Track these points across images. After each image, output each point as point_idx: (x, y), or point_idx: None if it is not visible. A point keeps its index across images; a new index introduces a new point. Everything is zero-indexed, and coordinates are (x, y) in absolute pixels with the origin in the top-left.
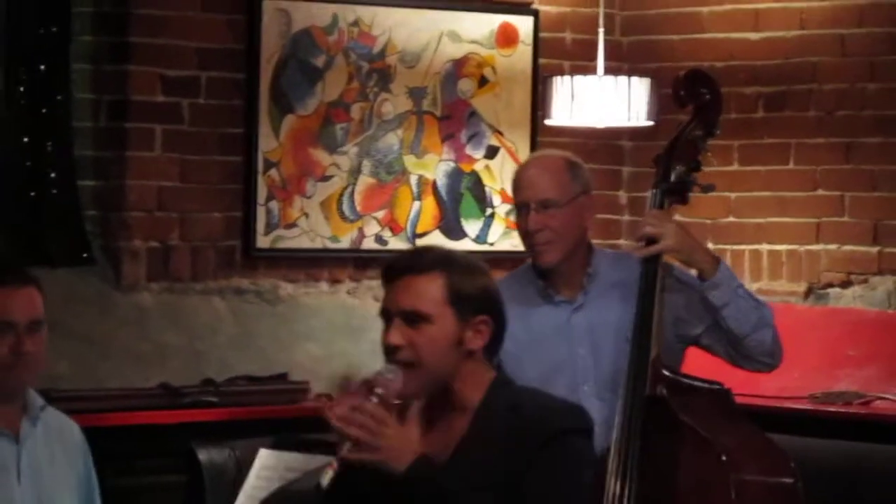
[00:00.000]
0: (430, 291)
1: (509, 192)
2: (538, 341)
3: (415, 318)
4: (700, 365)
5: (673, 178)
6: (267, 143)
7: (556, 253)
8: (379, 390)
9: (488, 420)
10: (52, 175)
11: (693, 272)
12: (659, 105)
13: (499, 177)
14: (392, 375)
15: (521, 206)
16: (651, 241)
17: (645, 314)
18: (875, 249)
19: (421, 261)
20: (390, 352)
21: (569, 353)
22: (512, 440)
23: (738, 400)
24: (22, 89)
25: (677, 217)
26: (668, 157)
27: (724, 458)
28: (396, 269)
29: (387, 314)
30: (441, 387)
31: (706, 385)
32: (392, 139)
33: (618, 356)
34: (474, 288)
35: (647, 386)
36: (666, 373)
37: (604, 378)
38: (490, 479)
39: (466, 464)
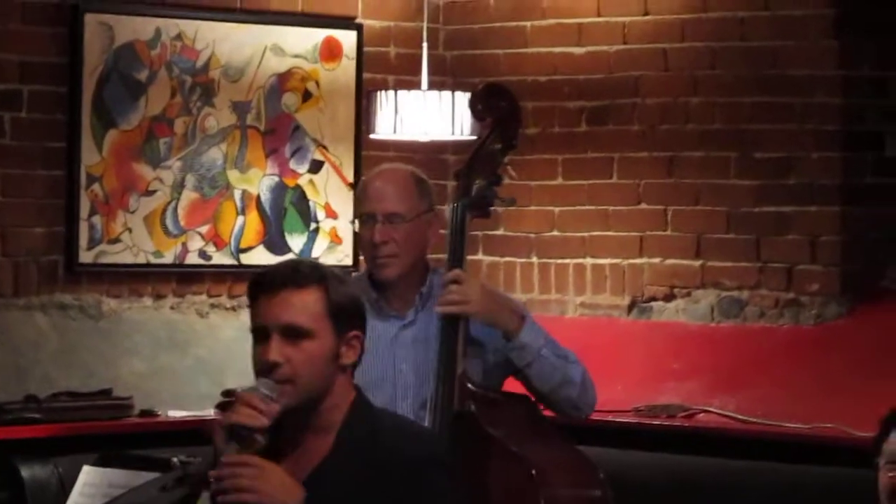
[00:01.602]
0: (310, 306)
1: (333, 206)
2: (364, 353)
3: (296, 334)
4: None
5: (474, 192)
6: (89, 157)
7: (398, 267)
8: (263, 390)
9: (349, 444)
10: None
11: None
12: None
13: (323, 191)
14: (271, 393)
15: (367, 218)
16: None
17: (449, 349)
18: (698, 263)
19: (299, 274)
20: (268, 369)
21: (392, 368)
22: (372, 468)
23: None
24: None
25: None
26: (469, 171)
27: (533, 472)
28: (274, 283)
29: (262, 330)
30: (310, 404)
31: (514, 399)
32: (216, 154)
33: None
34: (347, 299)
35: (454, 400)
36: (472, 388)
37: (423, 396)
38: None
39: (323, 488)
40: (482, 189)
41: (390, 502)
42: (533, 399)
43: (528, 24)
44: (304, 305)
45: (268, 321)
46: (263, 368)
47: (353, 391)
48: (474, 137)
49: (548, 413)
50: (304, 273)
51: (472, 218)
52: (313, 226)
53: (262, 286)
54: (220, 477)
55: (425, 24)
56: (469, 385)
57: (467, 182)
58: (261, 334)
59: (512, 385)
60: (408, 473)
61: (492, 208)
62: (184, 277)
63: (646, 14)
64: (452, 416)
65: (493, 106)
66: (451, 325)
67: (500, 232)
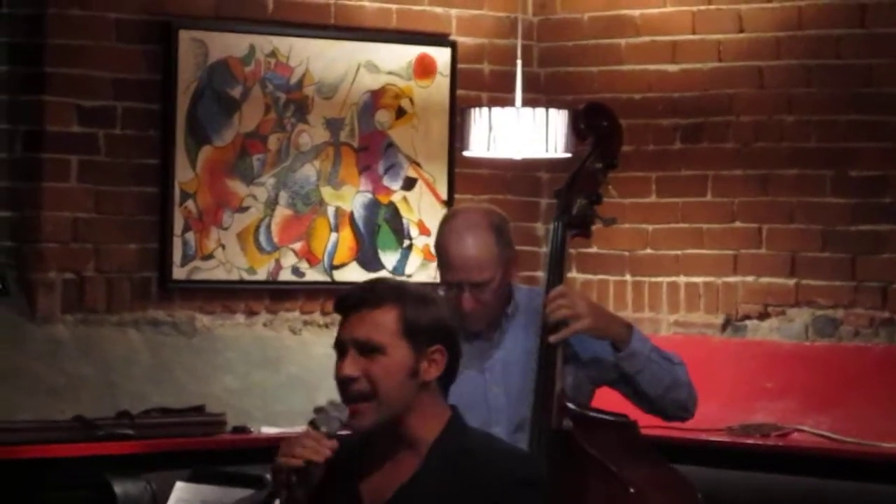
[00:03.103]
0: (383, 323)
1: (427, 223)
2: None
3: (369, 349)
4: (612, 396)
5: (574, 211)
6: (183, 173)
7: (486, 321)
8: (323, 429)
9: (441, 461)
10: None
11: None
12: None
13: (416, 208)
14: (336, 413)
15: (454, 285)
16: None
17: (548, 368)
18: (792, 282)
19: (373, 294)
20: (345, 383)
21: (483, 391)
22: (465, 486)
23: (656, 432)
24: None
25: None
26: (569, 190)
27: (631, 490)
28: (350, 302)
29: (341, 346)
30: (395, 420)
31: (612, 418)
32: (309, 170)
33: (529, 396)
34: (428, 318)
35: (552, 420)
36: (571, 406)
37: (517, 418)
38: None
39: (412, 502)
40: (583, 208)
41: None
42: (631, 419)
43: (623, 41)
44: (377, 322)
45: (343, 337)
46: (340, 383)
47: (446, 409)
48: (568, 155)
49: (652, 424)
50: (379, 292)
51: (572, 237)
52: (406, 243)
53: (341, 305)
54: None
55: (519, 42)
56: (567, 404)
57: (568, 201)
58: (339, 350)
59: (607, 403)
60: (508, 493)
61: (592, 227)
62: (277, 294)
63: (741, 31)
64: (550, 433)
65: (595, 125)
66: (552, 343)
67: (593, 250)
